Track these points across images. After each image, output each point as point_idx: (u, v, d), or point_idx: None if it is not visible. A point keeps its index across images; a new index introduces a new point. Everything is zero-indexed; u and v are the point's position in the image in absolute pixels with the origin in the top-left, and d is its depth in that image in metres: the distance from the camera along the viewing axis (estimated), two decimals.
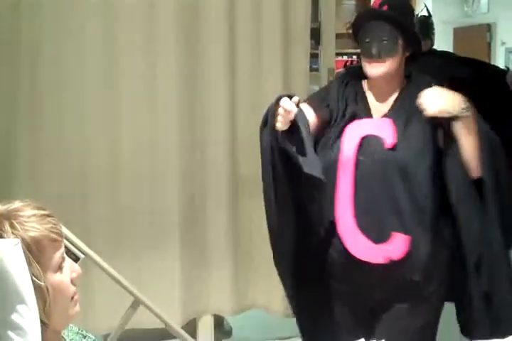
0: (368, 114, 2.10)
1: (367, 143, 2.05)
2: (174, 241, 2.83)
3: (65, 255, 1.17)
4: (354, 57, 8.26)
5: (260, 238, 2.89)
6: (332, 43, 3.12)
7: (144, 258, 2.79)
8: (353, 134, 2.06)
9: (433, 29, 4.66)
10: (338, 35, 8.59)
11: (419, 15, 4.82)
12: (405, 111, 2.06)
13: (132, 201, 2.78)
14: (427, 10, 4.89)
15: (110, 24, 2.69)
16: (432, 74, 2.27)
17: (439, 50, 4.84)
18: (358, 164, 2.02)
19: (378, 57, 2.03)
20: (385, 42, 2.04)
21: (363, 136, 2.05)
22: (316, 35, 3.08)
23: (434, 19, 8.26)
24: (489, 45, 8.51)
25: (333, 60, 3.13)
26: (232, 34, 2.84)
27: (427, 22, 4.66)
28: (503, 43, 8.31)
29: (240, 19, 2.84)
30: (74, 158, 2.71)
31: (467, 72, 3.96)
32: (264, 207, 2.11)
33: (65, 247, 1.19)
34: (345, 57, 8.16)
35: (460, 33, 8.48)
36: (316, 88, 3.30)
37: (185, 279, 2.86)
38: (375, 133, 2.04)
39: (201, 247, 2.88)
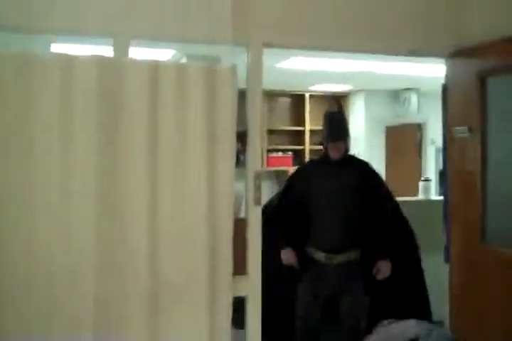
0: None
1: None
2: None
3: None
4: (289, 153, 8.38)
5: None
6: (258, 148, 3.03)
7: None
8: None
9: None
10: (274, 131, 8.71)
11: None
12: None
13: (46, 301, 2.57)
14: None
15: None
16: None
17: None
18: None
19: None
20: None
21: None
22: (242, 137, 2.99)
23: (367, 118, 8.54)
24: (420, 143, 8.76)
25: (259, 165, 3.02)
26: (153, 135, 2.74)
27: None
28: (433, 142, 8.56)
29: (163, 119, 2.75)
30: None
31: None
32: None
33: None
34: (280, 154, 8.24)
35: (392, 132, 8.71)
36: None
37: None
38: None
39: None
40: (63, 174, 2.62)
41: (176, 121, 2.77)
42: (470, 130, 3.28)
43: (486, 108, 3.21)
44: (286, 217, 3.74)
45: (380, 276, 3.70)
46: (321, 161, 3.88)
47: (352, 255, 3.66)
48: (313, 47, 3.37)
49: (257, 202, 3.00)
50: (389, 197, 3.86)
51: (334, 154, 3.71)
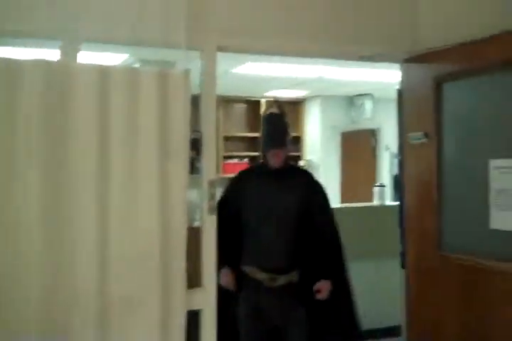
0: None
1: None
2: None
3: None
4: (245, 159, 8.30)
5: None
6: (213, 155, 2.93)
7: None
8: None
9: None
10: (229, 138, 8.64)
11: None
12: None
13: None
14: None
15: None
16: None
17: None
18: None
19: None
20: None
21: None
22: (196, 145, 2.88)
23: (323, 124, 8.55)
24: (374, 149, 8.81)
25: (213, 173, 2.91)
26: (104, 142, 2.60)
27: None
28: (387, 148, 8.61)
29: (114, 126, 2.62)
30: None
31: None
32: None
33: None
34: (235, 160, 8.16)
35: (348, 138, 8.74)
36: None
37: None
38: None
39: None
40: (5, 183, 2.47)
41: (128, 127, 2.64)
42: (426, 136, 3.26)
43: (442, 113, 3.19)
44: (225, 233, 3.08)
45: (319, 296, 3.30)
46: (260, 170, 3.48)
47: (294, 277, 3.33)
48: (268, 51, 3.34)
49: (212, 211, 2.90)
50: (328, 211, 3.46)
51: (274, 162, 3.33)
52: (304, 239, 3.35)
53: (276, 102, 3.48)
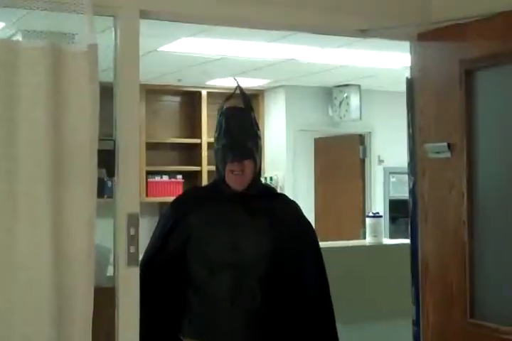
0: None
1: None
2: None
3: None
4: (179, 176, 8.14)
5: None
6: (134, 175, 2.84)
7: None
8: None
9: None
10: (156, 145, 8.45)
11: None
12: None
13: None
14: None
15: None
16: None
17: None
18: None
19: None
20: None
21: None
22: (108, 160, 2.79)
23: (289, 125, 8.48)
24: (363, 162, 8.75)
25: (136, 202, 2.81)
26: None
27: None
28: (381, 161, 8.57)
29: None
30: None
31: None
32: None
33: None
34: (165, 178, 8.00)
35: (324, 146, 8.68)
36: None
37: None
38: None
39: None
40: None
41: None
42: (450, 148, 3.19)
43: (475, 115, 3.12)
44: (155, 292, 2.99)
45: None
46: (214, 193, 3.25)
47: None
48: (223, 21, 3.30)
49: (133, 261, 2.80)
50: (325, 284, 3.30)
51: (236, 183, 3.13)
52: (276, 301, 3.16)
53: (241, 91, 3.25)
